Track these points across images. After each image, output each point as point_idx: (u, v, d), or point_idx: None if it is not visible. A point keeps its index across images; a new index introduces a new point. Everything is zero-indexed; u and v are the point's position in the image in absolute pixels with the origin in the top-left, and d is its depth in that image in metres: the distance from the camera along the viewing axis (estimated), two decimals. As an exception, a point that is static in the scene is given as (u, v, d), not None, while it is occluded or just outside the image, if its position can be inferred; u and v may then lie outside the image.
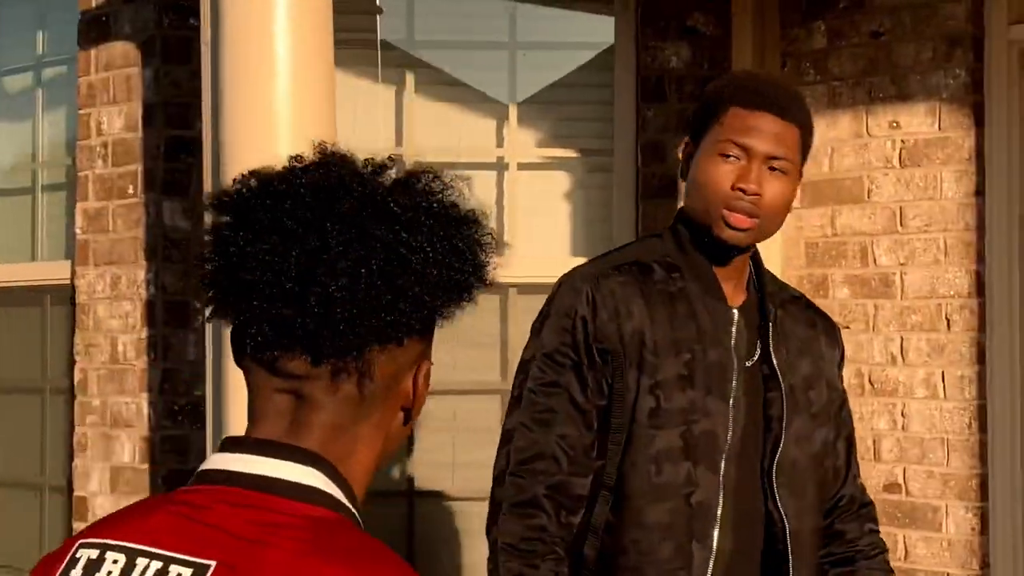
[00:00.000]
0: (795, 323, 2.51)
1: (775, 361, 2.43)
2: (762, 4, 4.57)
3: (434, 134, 4.71)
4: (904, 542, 4.29)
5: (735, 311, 2.43)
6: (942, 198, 4.27)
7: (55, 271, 5.11)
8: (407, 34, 4.73)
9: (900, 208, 4.35)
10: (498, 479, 2.40)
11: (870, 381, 4.39)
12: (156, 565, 1.24)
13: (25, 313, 5.25)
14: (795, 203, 4.45)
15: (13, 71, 5.48)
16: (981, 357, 4.19)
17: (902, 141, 4.35)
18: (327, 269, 1.28)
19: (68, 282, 4.99)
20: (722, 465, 2.37)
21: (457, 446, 4.60)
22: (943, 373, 4.26)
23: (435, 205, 1.35)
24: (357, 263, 1.29)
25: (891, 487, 4.33)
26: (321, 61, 3.23)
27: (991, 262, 4.19)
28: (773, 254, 4.54)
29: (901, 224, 4.34)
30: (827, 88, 4.49)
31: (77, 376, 4.84)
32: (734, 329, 2.42)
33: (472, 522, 4.28)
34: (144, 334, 4.61)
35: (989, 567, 4.16)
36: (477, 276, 1.37)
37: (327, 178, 1.33)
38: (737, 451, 2.39)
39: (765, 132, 2.38)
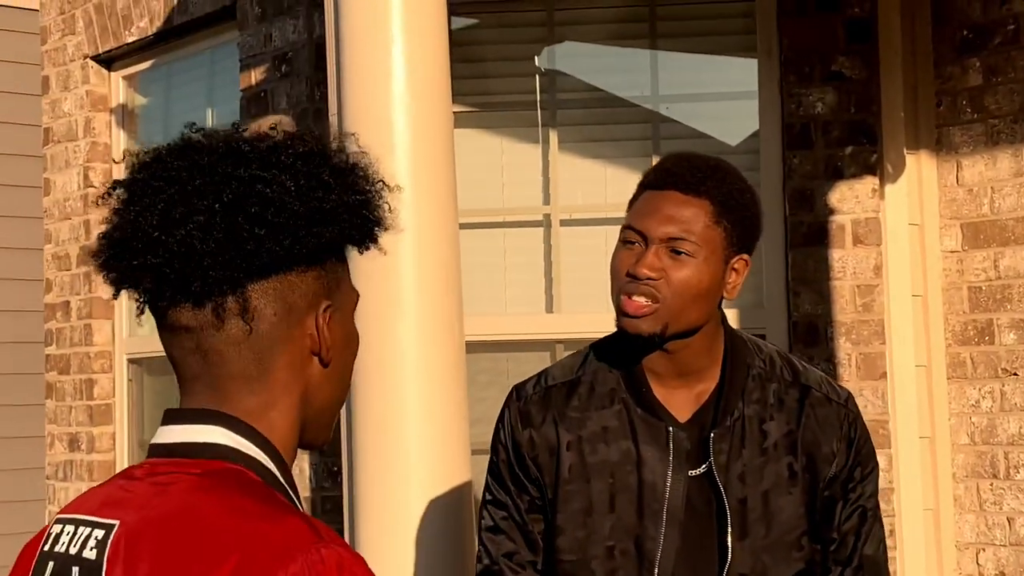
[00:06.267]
0: (772, 420, 2.26)
1: (716, 474, 2.22)
2: (913, 43, 4.43)
3: (580, 191, 4.70)
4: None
5: (669, 428, 2.23)
6: (1111, 236, 4.06)
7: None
8: (551, 92, 4.74)
9: (1066, 248, 4.15)
10: None
11: (1041, 430, 4.18)
12: (85, 531, 1.38)
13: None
14: (954, 246, 4.35)
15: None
16: None
17: (1065, 179, 4.16)
18: (184, 211, 1.33)
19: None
20: None
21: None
22: (1120, 421, 4.03)
23: (298, 147, 1.37)
24: (211, 200, 1.33)
25: (1067, 542, 4.12)
26: (440, 130, 3.27)
27: None
28: (935, 300, 4.38)
29: (1068, 265, 4.14)
30: (985, 127, 4.32)
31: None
32: (671, 444, 2.23)
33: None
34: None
35: None
36: (352, 206, 1.37)
37: (193, 142, 1.38)
38: (679, 569, 2.22)
39: (661, 213, 2.21)
